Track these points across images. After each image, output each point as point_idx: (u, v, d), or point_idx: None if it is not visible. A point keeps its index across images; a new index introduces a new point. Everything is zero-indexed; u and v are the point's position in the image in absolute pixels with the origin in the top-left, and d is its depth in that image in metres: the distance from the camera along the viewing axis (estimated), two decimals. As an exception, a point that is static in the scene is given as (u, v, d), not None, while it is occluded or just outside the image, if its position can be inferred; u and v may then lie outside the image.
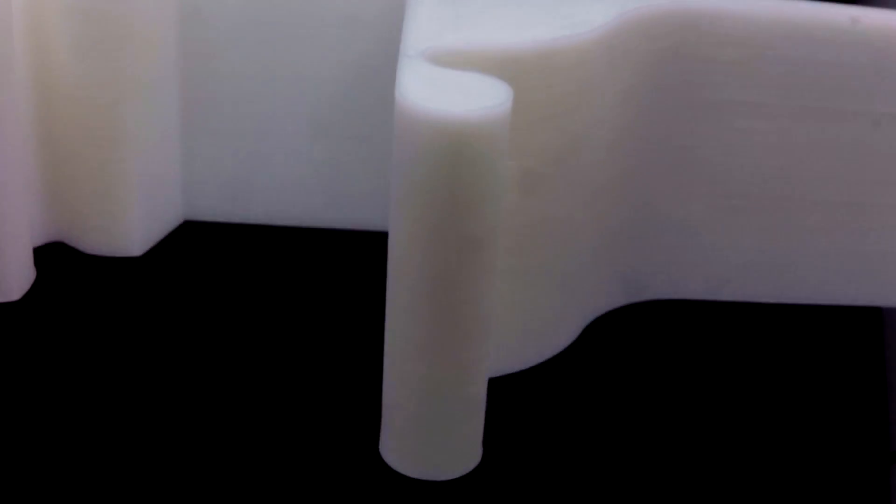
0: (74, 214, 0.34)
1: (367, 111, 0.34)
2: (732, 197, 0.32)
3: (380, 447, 0.30)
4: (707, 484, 0.31)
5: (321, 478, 0.30)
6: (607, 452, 0.31)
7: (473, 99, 0.25)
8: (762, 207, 0.32)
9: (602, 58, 0.29)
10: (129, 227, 0.34)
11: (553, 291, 0.31)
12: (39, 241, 0.34)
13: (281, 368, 0.33)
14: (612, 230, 0.32)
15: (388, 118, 0.33)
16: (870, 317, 0.35)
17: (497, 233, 0.26)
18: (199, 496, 0.30)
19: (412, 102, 0.25)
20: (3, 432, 0.30)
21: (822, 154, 0.31)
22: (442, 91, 0.25)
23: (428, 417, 0.28)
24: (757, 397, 0.33)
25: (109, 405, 0.31)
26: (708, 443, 0.32)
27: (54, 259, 0.35)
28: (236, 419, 0.31)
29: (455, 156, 0.25)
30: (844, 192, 0.32)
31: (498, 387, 0.31)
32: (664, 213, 0.32)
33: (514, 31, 0.28)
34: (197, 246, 0.36)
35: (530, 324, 0.32)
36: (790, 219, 0.32)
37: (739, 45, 0.30)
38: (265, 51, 0.34)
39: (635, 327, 0.34)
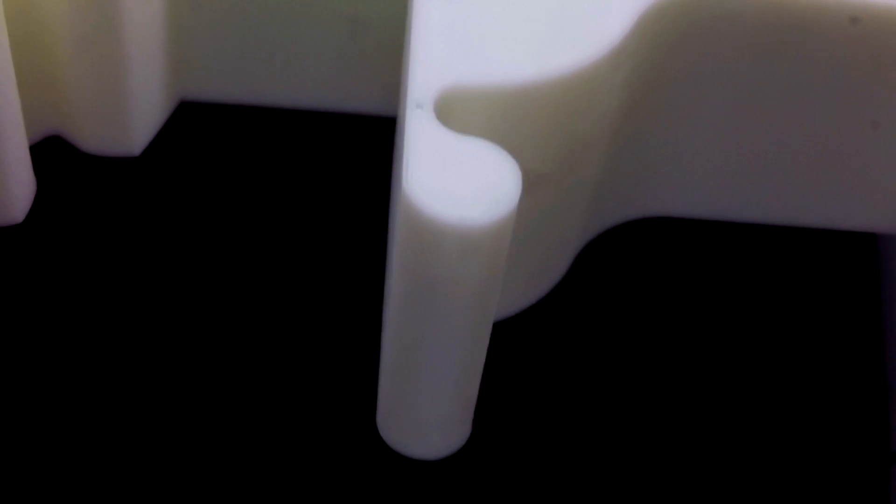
0: (71, 115, 0.33)
1: None
2: (715, 119, 0.31)
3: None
4: (706, 484, 0.32)
5: (315, 449, 0.30)
6: (604, 419, 0.31)
7: (482, 194, 0.24)
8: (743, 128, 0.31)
9: (615, 63, 0.28)
10: (127, 127, 0.33)
11: (552, 235, 0.31)
12: (35, 139, 0.33)
13: (280, 292, 0.33)
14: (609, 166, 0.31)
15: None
16: (869, 316, 0.36)
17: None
18: (185, 459, 0.30)
19: (423, 205, 0.24)
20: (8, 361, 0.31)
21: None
22: (450, 183, 0.24)
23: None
24: (756, 397, 0.33)
25: (114, 341, 0.32)
26: (708, 445, 0.32)
27: (51, 159, 0.34)
28: (229, 370, 0.31)
29: (461, 258, 0.25)
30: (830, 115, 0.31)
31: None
32: (648, 133, 0.31)
33: (528, 52, 0.27)
34: (194, 132, 0.35)
35: (527, 269, 0.31)
36: (771, 138, 0.31)
37: (750, 39, 0.30)
38: None
39: (625, 251, 0.34)
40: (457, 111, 0.26)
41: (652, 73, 0.30)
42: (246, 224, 0.34)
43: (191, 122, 0.35)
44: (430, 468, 0.30)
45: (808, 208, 0.32)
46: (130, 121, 0.33)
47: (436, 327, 0.26)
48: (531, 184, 0.28)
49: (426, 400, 0.28)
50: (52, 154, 0.33)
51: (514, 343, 0.32)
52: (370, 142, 0.35)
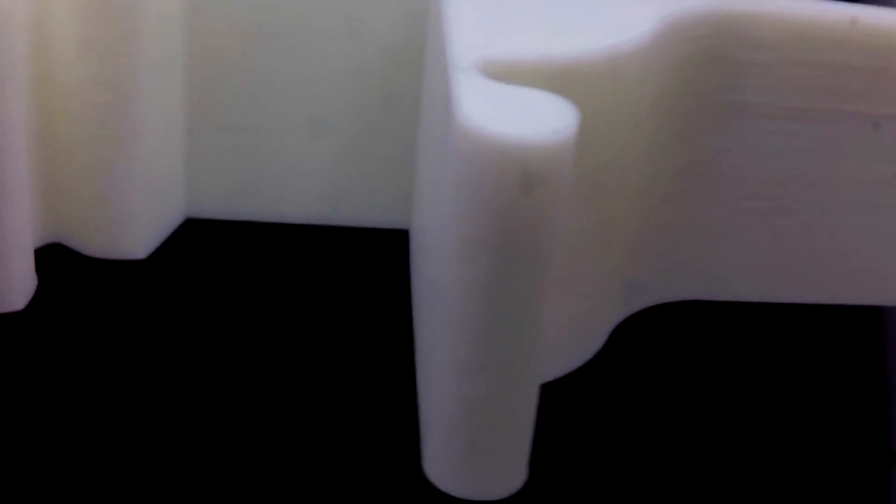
0: (76, 216, 0.33)
1: (370, 108, 0.34)
2: (753, 198, 0.32)
3: (424, 464, 0.29)
4: (707, 483, 0.31)
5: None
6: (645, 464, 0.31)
7: (540, 121, 0.24)
8: (779, 208, 0.32)
9: (643, 65, 0.29)
10: (135, 228, 0.33)
11: (586, 298, 0.31)
12: (37, 244, 0.33)
13: (298, 375, 0.32)
14: (641, 234, 0.32)
15: (390, 114, 0.34)
16: (870, 317, 0.36)
17: (556, 253, 0.26)
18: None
19: (479, 126, 0.24)
20: (15, 442, 0.30)
21: (840, 154, 0.31)
22: (507, 112, 0.25)
23: (477, 435, 0.28)
24: (757, 397, 0.33)
25: (123, 415, 0.31)
26: (709, 443, 0.32)
27: (53, 262, 0.34)
28: (261, 435, 0.31)
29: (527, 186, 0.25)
30: (857, 193, 0.32)
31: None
32: (687, 216, 0.33)
33: (560, 39, 0.28)
34: (200, 245, 0.35)
35: (566, 331, 0.31)
36: (803, 219, 0.32)
37: (772, 48, 0.30)
38: (269, 48, 0.34)
39: (647, 330, 0.34)
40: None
41: (681, 120, 0.31)
42: (249, 330, 0.33)
43: (198, 236, 0.35)
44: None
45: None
46: (140, 221, 0.33)
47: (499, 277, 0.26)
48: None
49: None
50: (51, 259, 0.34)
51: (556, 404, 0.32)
52: (375, 254, 0.35)
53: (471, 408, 0.27)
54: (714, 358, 0.34)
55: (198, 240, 0.35)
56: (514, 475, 0.28)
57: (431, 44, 0.31)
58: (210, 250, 0.35)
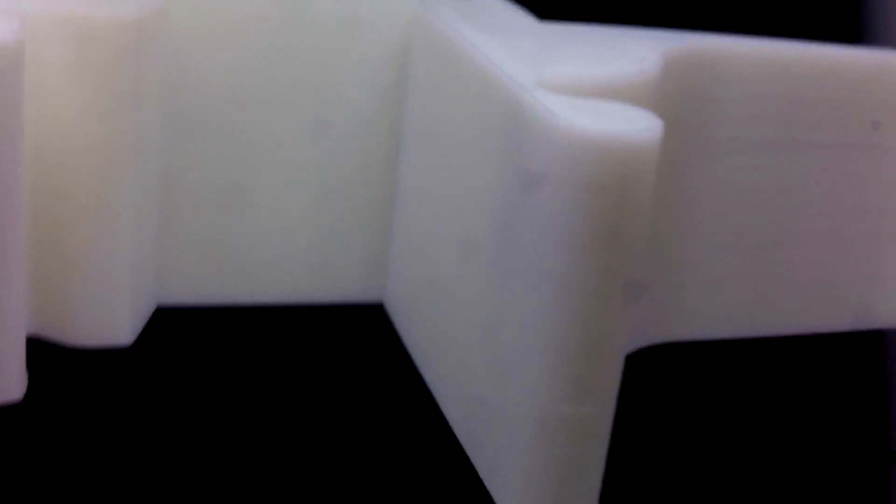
0: (57, 303, 0.32)
1: (342, 182, 0.34)
2: (731, 234, 0.33)
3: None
4: (707, 483, 0.32)
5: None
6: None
7: (633, 122, 0.26)
8: (753, 244, 0.33)
9: (654, 96, 0.30)
10: (121, 313, 0.32)
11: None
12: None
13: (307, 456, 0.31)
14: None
15: (363, 188, 0.34)
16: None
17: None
18: None
19: (584, 126, 0.25)
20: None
21: (811, 185, 0.32)
22: (598, 116, 0.26)
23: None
24: (757, 397, 0.33)
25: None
26: (708, 443, 0.32)
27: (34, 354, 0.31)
28: None
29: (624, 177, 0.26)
30: (832, 222, 0.32)
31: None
32: (665, 255, 0.33)
33: (595, 65, 0.29)
34: (174, 331, 0.34)
35: None
36: (779, 253, 0.32)
37: (743, 84, 0.32)
38: (245, 120, 0.33)
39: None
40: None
41: (666, 157, 0.31)
42: (250, 413, 0.32)
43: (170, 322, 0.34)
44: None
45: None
46: (127, 303, 0.32)
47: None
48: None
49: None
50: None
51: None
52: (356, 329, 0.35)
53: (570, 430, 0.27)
54: (713, 358, 0.34)
55: (171, 326, 0.34)
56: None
57: (434, 96, 0.32)
58: (185, 335, 0.34)
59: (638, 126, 0.26)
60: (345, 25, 0.33)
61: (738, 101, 0.31)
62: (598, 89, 0.28)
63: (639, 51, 0.30)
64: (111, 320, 0.32)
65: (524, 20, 0.33)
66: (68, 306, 0.31)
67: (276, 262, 0.35)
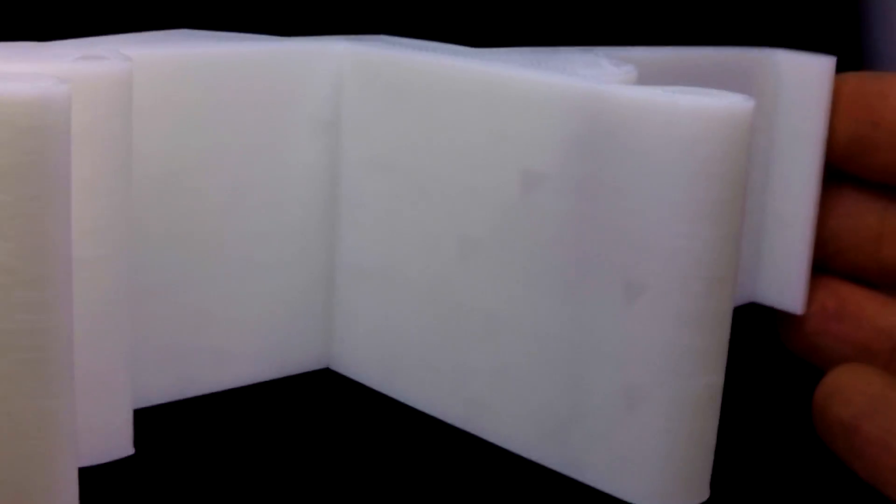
0: None
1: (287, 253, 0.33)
2: None
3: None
4: (722, 457, 0.31)
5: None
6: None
7: (724, 98, 0.28)
8: None
9: None
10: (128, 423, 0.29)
11: None
12: None
13: None
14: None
15: (303, 257, 0.33)
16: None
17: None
18: None
19: (692, 103, 0.27)
20: None
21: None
22: (690, 95, 0.28)
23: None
24: (757, 397, 0.33)
25: None
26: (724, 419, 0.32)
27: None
28: None
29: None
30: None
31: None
32: None
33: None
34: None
35: None
36: None
37: None
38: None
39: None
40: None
41: None
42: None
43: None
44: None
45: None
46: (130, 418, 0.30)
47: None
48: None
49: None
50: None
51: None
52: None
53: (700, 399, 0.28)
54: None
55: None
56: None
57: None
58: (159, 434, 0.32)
59: (732, 98, 0.27)
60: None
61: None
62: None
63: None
64: (120, 433, 0.29)
65: (465, 49, 0.33)
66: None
67: (225, 348, 0.33)
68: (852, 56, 0.44)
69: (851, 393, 0.33)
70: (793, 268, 0.37)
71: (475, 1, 0.38)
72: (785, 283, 0.38)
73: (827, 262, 0.38)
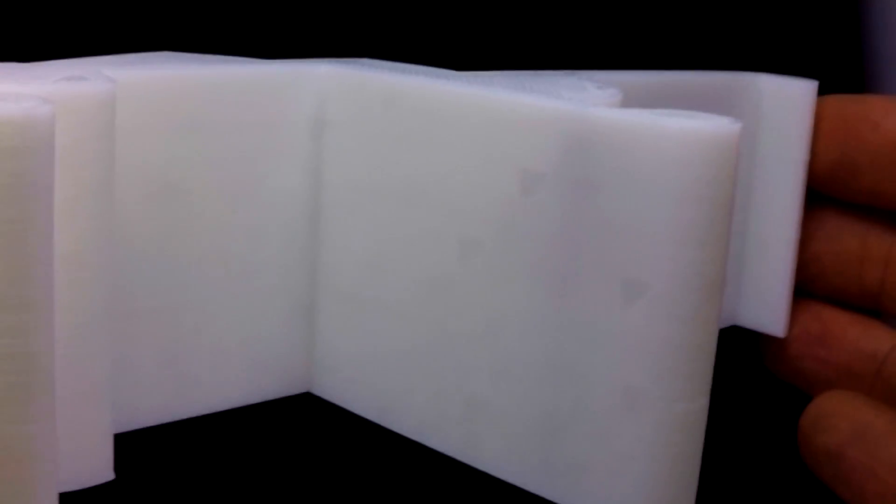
0: None
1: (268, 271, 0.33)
2: None
3: None
4: (708, 482, 0.31)
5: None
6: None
7: (712, 121, 0.28)
8: None
9: None
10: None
11: None
12: None
13: None
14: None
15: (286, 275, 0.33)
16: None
17: None
18: None
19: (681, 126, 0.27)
20: None
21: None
22: (676, 118, 0.28)
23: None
24: (740, 421, 0.33)
25: None
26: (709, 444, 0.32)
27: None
28: None
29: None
30: None
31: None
32: None
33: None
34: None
35: None
36: None
37: None
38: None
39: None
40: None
41: None
42: None
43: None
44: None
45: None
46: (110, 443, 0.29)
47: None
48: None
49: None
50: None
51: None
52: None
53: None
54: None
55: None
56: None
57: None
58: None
59: (719, 121, 0.27)
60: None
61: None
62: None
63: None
64: (101, 457, 0.29)
65: (448, 72, 0.33)
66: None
67: (206, 373, 0.32)
68: (852, 62, 0.44)
69: (837, 420, 0.33)
70: (774, 291, 0.37)
71: (457, 25, 0.38)
72: (767, 306, 0.38)
73: (808, 286, 0.38)
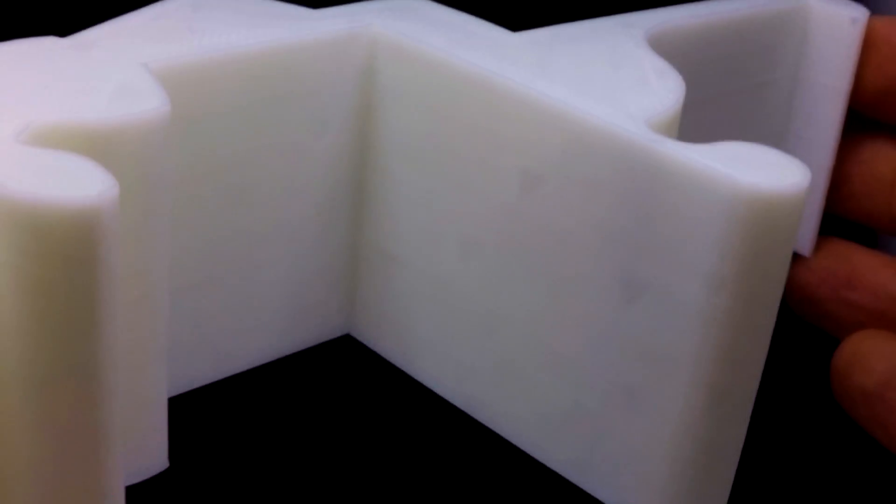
0: None
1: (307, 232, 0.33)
2: None
3: None
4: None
5: None
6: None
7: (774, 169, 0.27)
8: None
9: None
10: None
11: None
12: None
13: None
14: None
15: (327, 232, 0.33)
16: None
17: None
18: None
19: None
20: None
21: None
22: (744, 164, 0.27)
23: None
24: (768, 364, 0.33)
25: None
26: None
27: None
28: None
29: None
30: None
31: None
32: None
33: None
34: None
35: None
36: None
37: None
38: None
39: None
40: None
41: None
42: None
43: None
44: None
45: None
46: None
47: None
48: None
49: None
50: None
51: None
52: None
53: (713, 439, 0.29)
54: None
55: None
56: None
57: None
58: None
59: (791, 177, 0.27)
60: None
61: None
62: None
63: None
64: (156, 446, 0.30)
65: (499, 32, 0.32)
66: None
67: (250, 328, 0.33)
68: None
69: (873, 360, 0.33)
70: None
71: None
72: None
73: (837, 207, 0.38)
